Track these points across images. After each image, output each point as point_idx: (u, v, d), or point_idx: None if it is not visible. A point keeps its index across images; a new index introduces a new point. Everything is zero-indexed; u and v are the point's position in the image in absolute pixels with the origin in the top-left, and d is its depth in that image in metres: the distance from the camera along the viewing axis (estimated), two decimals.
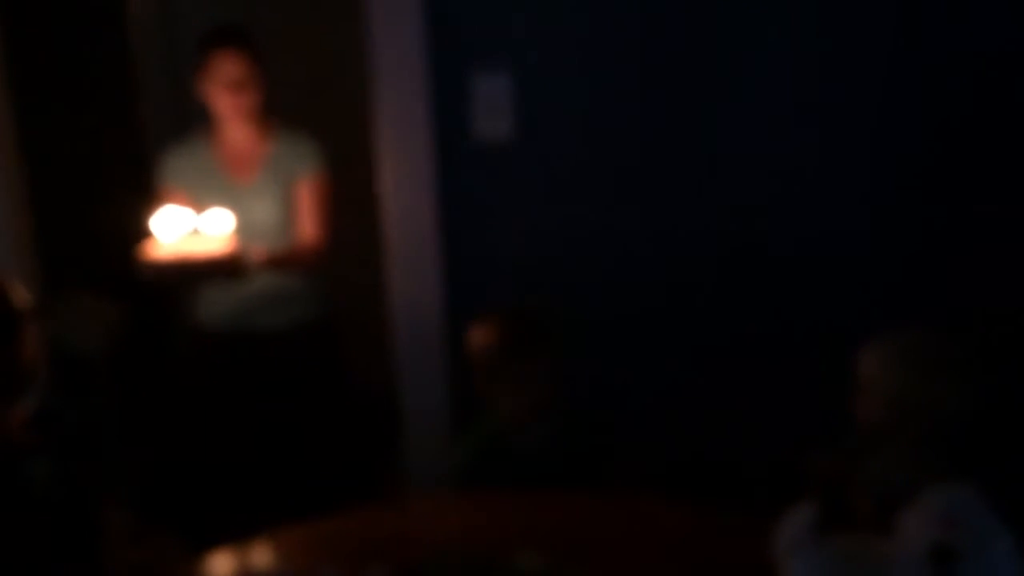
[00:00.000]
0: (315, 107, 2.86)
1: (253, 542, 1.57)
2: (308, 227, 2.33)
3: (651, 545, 1.53)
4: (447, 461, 1.81)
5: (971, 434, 1.48)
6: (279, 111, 2.37)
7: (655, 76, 2.03)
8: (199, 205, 2.22)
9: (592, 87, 2.05)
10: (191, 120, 2.41)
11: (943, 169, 2.01)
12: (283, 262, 2.27)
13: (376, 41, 2.06)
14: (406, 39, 2.04)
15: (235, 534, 1.60)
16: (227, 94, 2.24)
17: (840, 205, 2.06)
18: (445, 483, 1.77)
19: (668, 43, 2.01)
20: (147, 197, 2.28)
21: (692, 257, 2.10)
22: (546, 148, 2.08)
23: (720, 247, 2.09)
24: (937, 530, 1.18)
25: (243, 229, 2.14)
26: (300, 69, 3.09)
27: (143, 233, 2.11)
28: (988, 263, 2.02)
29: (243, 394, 2.37)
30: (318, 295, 2.41)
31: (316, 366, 2.41)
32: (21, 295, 1.51)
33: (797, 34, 1.98)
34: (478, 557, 1.47)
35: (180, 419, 2.46)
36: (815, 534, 1.25)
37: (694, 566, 1.49)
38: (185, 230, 2.12)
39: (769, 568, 1.32)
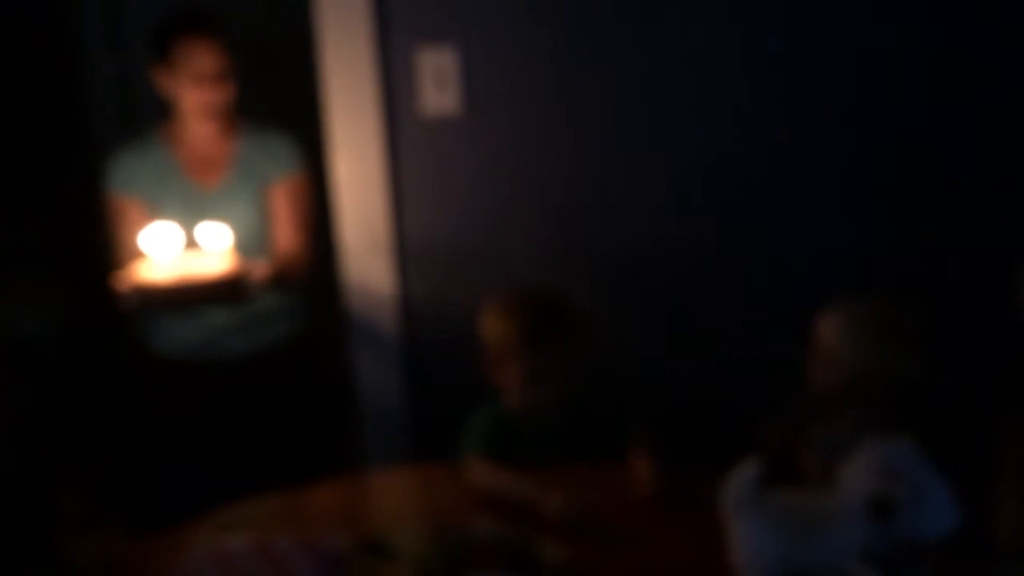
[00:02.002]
0: (260, 86, 2.82)
1: (211, 519, 1.58)
2: (287, 235, 2.10)
3: (605, 511, 1.56)
4: (466, 430, 1.74)
5: (917, 395, 1.53)
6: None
7: (603, 48, 2.03)
8: (157, 214, 2.03)
9: (540, 59, 2.05)
10: (138, 99, 2.28)
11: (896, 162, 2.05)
12: (284, 279, 2.04)
13: (322, 15, 2.05)
14: (352, 13, 2.03)
15: (192, 513, 1.60)
16: (200, 90, 1.99)
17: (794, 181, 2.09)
18: (463, 450, 1.70)
19: (616, 14, 2.01)
20: (94, 181, 2.20)
21: (643, 229, 2.12)
22: (494, 122, 2.09)
23: (672, 220, 2.11)
24: (875, 482, 1.21)
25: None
26: (244, 48, 3.04)
27: (107, 240, 1.94)
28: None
29: (211, 423, 2.15)
30: (296, 310, 2.20)
31: (292, 387, 2.21)
32: None
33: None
34: (434, 526, 1.49)
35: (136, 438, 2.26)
36: (759, 491, 1.28)
37: (646, 531, 1.52)
38: (179, 248, 1.87)
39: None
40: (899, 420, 1.47)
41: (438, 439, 1.78)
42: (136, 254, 1.94)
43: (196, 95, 2.00)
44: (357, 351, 2.21)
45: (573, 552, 1.42)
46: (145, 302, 1.84)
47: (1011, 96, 1.99)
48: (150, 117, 2.20)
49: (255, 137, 2.12)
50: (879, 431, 1.39)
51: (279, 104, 2.54)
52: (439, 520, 1.50)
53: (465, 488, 1.63)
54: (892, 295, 1.59)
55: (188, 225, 1.96)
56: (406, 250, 2.16)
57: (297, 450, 2.27)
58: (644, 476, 1.60)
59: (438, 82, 2.06)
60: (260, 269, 1.95)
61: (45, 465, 1.91)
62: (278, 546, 1.40)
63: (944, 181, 2.04)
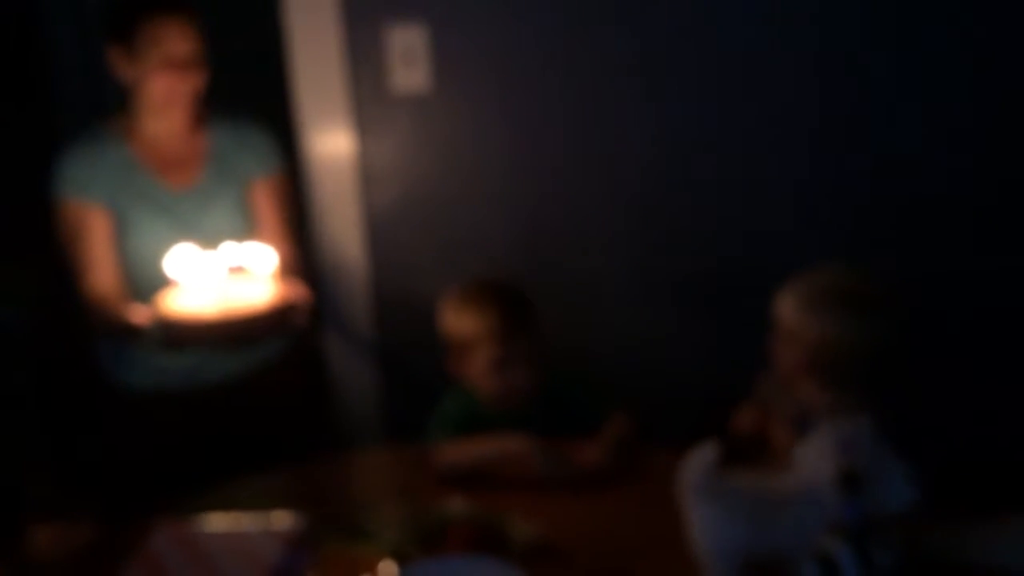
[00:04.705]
0: (225, 67, 2.77)
1: (186, 503, 1.56)
2: (277, 244, 1.81)
3: (578, 489, 1.57)
4: (434, 418, 1.71)
5: (875, 367, 1.50)
6: None
7: (573, 25, 2.02)
8: (123, 222, 1.81)
9: (508, 37, 2.04)
10: (107, 85, 2.18)
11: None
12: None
13: None
14: None
15: (166, 496, 1.59)
16: (169, 76, 1.76)
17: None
18: (433, 436, 1.68)
19: None
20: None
21: (615, 209, 2.11)
22: (463, 100, 2.07)
23: (647, 200, 2.10)
24: (840, 457, 1.20)
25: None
26: (208, 26, 3.00)
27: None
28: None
29: (195, 446, 1.89)
30: None
31: (281, 395, 1.97)
32: None
33: None
34: (407, 506, 1.49)
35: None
36: (715, 473, 1.26)
37: (617, 508, 1.53)
38: (220, 273, 1.61)
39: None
40: (868, 393, 1.46)
41: (411, 419, 1.78)
42: (102, 270, 1.77)
43: (165, 82, 1.77)
44: (330, 330, 2.20)
45: (543, 529, 1.42)
46: (174, 339, 1.59)
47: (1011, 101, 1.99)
48: (120, 105, 2.13)
49: (229, 130, 1.89)
50: (848, 406, 1.39)
51: (245, 85, 2.50)
52: (412, 500, 1.50)
53: (435, 473, 1.62)
54: (846, 265, 1.54)
55: (159, 233, 1.78)
56: (376, 228, 2.14)
57: (272, 432, 2.24)
58: (593, 454, 1.60)
59: (407, 60, 2.05)
60: (302, 292, 1.69)
61: (13, 450, 1.89)
62: (244, 528, 1.39)
63: (944, 181, 2.04)
